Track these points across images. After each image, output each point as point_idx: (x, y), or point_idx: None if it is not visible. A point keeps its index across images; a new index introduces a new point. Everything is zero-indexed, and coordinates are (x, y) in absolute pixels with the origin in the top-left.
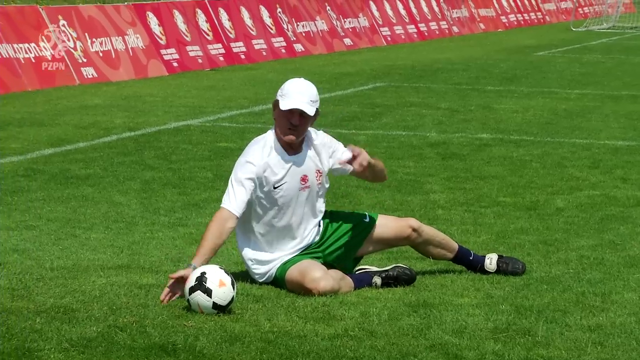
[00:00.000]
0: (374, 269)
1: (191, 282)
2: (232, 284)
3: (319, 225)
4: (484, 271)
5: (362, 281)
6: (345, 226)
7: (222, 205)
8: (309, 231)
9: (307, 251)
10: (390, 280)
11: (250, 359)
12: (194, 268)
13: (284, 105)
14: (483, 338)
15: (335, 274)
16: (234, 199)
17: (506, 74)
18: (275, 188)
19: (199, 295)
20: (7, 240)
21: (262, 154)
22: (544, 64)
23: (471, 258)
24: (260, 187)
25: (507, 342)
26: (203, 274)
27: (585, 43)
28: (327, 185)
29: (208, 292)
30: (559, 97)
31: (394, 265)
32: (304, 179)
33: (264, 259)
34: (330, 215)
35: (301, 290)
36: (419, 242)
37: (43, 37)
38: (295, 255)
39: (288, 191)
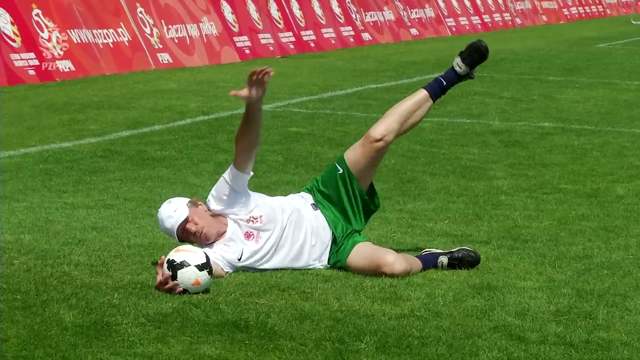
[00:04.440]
0: (440, 251)
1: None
2: (200, 267)
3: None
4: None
5: (429, 262)
6: (331, 205)
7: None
8: (308, 250)
9: (333, 251)
10: (455, 262)
11: (319, 337)
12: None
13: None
14: (545, 320)
15: (405, 255)
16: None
17: (567, 65)
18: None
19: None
20: (86, 218)
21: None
22: (605, 56)
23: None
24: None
25: (568, 325)
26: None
27: None
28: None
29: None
30: (619, 88)
31: (459, 247)
32: (247, 234)
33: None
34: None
35: (372, 273)
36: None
37: (121, 23)
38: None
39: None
